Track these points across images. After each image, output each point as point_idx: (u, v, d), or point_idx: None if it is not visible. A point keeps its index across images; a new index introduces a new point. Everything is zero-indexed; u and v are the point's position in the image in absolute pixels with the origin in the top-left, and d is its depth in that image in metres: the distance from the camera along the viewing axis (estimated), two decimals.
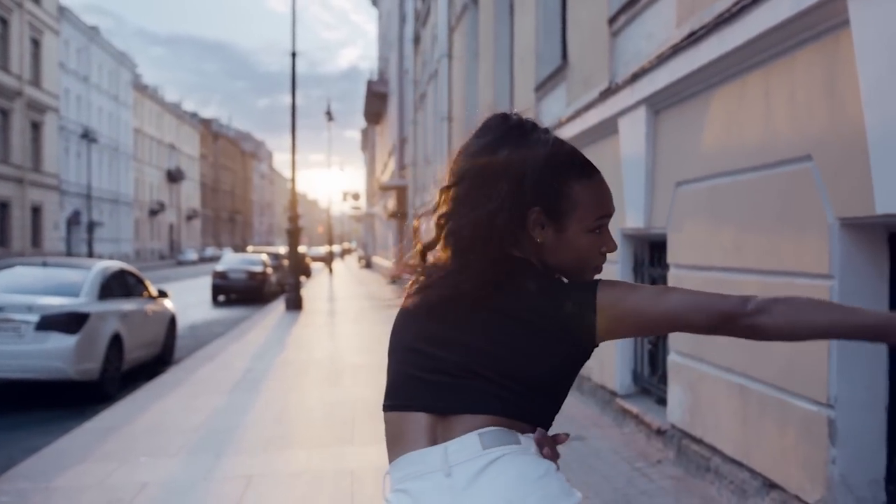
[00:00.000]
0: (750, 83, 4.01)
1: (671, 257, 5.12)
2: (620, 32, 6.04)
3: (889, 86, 2.88)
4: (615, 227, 6.20)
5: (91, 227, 47.12)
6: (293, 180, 19.29)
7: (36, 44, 42.75)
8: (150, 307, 9.67)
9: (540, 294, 1.30)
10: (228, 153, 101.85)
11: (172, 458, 5.40)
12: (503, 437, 1.25)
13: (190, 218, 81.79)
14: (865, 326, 1.23)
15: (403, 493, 1.27)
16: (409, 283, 1.44)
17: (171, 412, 6.89)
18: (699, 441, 4.61)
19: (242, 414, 6.80)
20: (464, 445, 1.25)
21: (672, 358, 5.07)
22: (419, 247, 1.42)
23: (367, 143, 59.78)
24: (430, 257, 1.41)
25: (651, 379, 5.93)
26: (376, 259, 44.27)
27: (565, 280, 1.38)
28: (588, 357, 1.35)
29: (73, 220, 48.31)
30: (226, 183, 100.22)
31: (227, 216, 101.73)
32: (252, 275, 22.93)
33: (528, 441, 1.27)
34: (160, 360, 10.06)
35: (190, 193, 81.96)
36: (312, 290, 26.23)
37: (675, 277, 5.05)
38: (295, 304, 17.59)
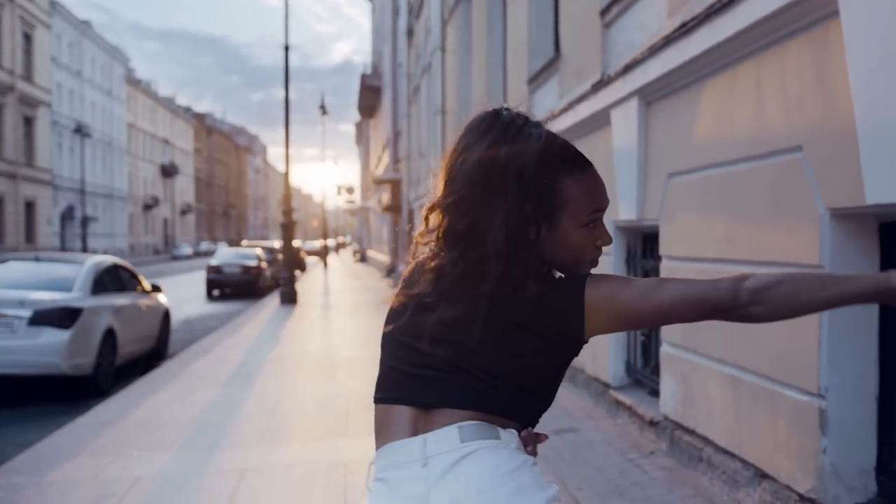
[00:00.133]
0: (741, 74, 4.01)
1: (663, 249, 5.12)
2: (613, 24, 6.03)
3: (878, 76, 2.88)
4: (608, 220, 6.21)
5: (85, 222, 47.02)
6: (286, 175, 19.25)
7: (28, 38, 42.56)
8: (143, 302, 9.65)
9: (528, 291, 1.29)
10: (223, 147, 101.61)
11: (166, 451, 5.40)
12: (483, 431, 1.26)
13: (184, 212, 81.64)
14: (856, 294, 1.25)
15: (382, 482, 1.29)
16: (401, 277, 1.45)
17: (165, 406, 6.89)
18: (691, 432, 4.63)
19: (236, 408, 6.80)
20: (442, 437, 1.26)
21: (664, 349, 5.08)
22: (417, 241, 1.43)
23: (362, 136, 59.65)
24: (423, 253, 1.41)
25: (644, 370, 5.95)
26: (371, 253, 44.26)
27: (559, 275, 1.38)
28: (576, 354, 1.35)
29: (66, 215, 48.20)
30: (220, 177, 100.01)
31: (221, 211, 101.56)
32: (246, 269, 22.92)
33: (508, 436, 1.27)
34: (154, 354, 10.05)
35: (184, 188, 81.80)
36: (307, 284, 26.22)
37: (667, 269, 5.06)
38: (289, 299, 17.60)
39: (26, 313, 7.43)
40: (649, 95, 5.23)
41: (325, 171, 54.20)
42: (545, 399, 1.35)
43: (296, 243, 23.24)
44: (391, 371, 1.36)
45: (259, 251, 24.93)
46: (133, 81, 66.12)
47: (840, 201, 3.23)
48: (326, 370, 8.78)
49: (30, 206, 42.08)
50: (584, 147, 1.49)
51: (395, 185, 28.64)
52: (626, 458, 4.96)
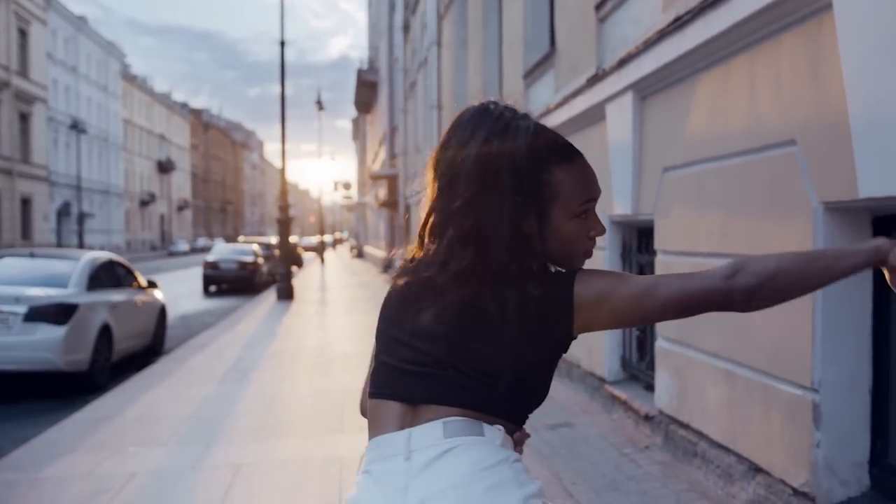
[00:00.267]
0: (735, 68, 4.01)
1: (658, 243, 5.13)
2: (608, 18, 6.02)
3: (871, 69, 2.88)
4: (604, 214, 6.17)
5: (81, 218, 46.91)
6: (283, 170, 19.23)
7: (23, 34, 42.44)
8: (139, 297, 9.64)
9: (517, 289, 1.28)
10: (219, 143, 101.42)
11: (162, 447, 5.40)
12: (467, 427, 1.26)
13: (181, 208, 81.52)
14: (849, 272, 1.25)
15: (368, 474, 1.30)
16: (395, 272, 1.45)
17: (160, 402, 6.89)
18: (686, 426, 4.63)
19: (233, 403, 6.80)
20: (426, 432, 1.26)
21: (659, 344, 5.08)
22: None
23: (358, 132, 59.61)
24: (415, 250, 1.41)
25: (639, 365, 5.95)
26: (368, 248, 44.25)
27: (553, 269, 1.37)
28: (565, 351, 1.35)
29: (63, 212, 48.11)
30: (217, 173, 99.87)
31: (218, 206, 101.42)
32: (243, 265, 22.90)
33: (493, 433, 1.27)
34: (150, 350, 10.04)
35: (181, 184, 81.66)
36: (304, 279, 26.21)
37: (662, 263, 5.07)
38: (286, 294, 17.58)
39: (22, 309, 7.42)
40: (644, 90, 5.23)
41: (321, 166, 54.12)
42: (535, 396, 1.35)
43: (292, 239, 23.27)
44: (383, 366, 1.37)
45: (255, 247, 24.90)
46: (129, 77, 65.96)
47: (834, 195, 3.23)
48: (323, 366, 8.78)
49: (26, 203, 42.00)
50: (580, 141, 1.48)
51: (392, 181, 28.62)
52: (622, 452, 4.96)
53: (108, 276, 8.96)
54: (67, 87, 51.31)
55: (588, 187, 1.36)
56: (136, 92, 67.29)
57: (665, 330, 4.98)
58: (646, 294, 1.27)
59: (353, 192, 57.43)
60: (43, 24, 45.33)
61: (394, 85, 30.31)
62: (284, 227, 18.58)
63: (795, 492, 3.46)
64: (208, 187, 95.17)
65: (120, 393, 7.33)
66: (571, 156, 1.36)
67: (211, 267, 22.74)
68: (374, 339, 1.48)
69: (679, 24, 4.37)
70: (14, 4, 40.83)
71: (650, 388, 5.48)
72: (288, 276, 17.98)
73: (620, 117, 5.59)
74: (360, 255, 49.29)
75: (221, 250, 24.19)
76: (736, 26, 3.77)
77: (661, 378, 5.04)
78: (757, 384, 3.81)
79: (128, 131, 64.26)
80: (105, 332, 8.22)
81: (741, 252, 3.95)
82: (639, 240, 6.00)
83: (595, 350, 6.34)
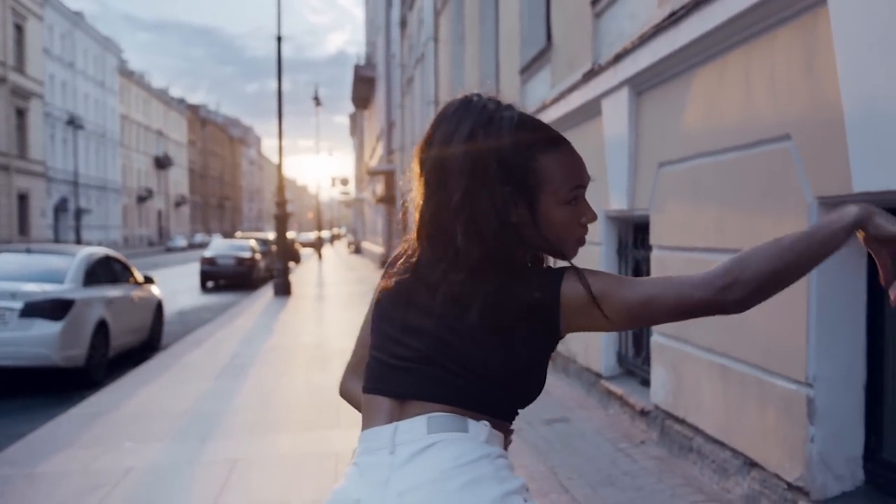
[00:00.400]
0: (730, 62, 4.00)
1: (654, 239, 5.13)
2: (604, 13, 6.02)
3: (865, 64, 2.88)
4: (600, 210, 6.16)
5: (79, 214, 46.88)
6: (280, 166, 19.22)
7: (19, 29, 42.35)
8: (136, 293, 9.63)
9: (505, 287, 1.28)
10: (217, 139, 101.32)
11: (158, 443, 5.40)
12: (451, 423, 1.26)
13: (178, 204, 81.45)
14: (832, 251, 1.26)
15: (355, 466, 1.30)
16: (387, 267, 1.45)
17: (157, 398, 6.89)
18: (682, 421, 4.64)
19: (229, 399, 6.80)
20: (411, 427, 1.27)
21: (655, 339, 5.09)
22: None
23: (356, 128, 59.55)
24: (406, 245, 1.41)
25: (635, 360, 5.96)
26: (366, 244, 44.22)
27: (546, 262, 1.37)
28: (553, 349, 1.34)
29: (60, 208, 48.06)
30: (214, 169, 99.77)
31: (215, 202, 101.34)
32: (240, 261, 22.89)
33: (477, 429, 1.27)
34: (147, 346, 10.04)
35: (178, 180, 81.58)
36: (301, 275, 26.20)
37: (658, 259, 5.07)
38: (283, 290, 17.58)
39: (18, 305, 7.41)
40: (640, 85, 5.23)
41: (319, 162, 53.86)
42: (524, 392, 1.34)
43: (290, 235, 23.26)
44: (374, 361, 1.38)
45: (253, 243, 24.88)
46: (126, 73, 65.85)
47: (828, 190, 3.23)
48: (320, 361, 8.79)
49: (23, 199, 41.95)
50: (576, 137, 1.48)
51: (389, 177, 28.61)
52: (617, 447, 4.97)
53: (104, 271, 8.95)
54: (64, 82, 51.22)
55: (576, 173, 1.34)
56: (133, 87, 67.19)
57: (661, 326, 4.98)
58: (641, 305, 1.26)
59: (351, 187, 57.40)
60: (39, 19, 45.23)
61: (391, 81, 30.30)
62: (282, 222, 18.57)
63: (790, 486, 3.47)
64: (206, 183, 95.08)
65: (116, 389, 7.33)
66: (557, 142, 1.34)
67: (208, 263, 22.74)
68: (360, 329, 1.51)
69: (674, 18, 4.36)
70: (10, 0, 40.72)
71: (646, 383, 5.48)
72: (285, 272, 17.97)
73: (616, 112, 5.59)
74: (357, 250, 49.26)
75: (219, 246, 24.15)
76: (730, 21, 3.77)
77: (657, 373, 5.04)
78: (752, 379, 3.82)
79: (125, 127, 64.18)
80: (101, 327, 8.22)
81: (736, 247, 3.95)
82: (635, 235, 6.00)
83: (591, 345, 6.35)
